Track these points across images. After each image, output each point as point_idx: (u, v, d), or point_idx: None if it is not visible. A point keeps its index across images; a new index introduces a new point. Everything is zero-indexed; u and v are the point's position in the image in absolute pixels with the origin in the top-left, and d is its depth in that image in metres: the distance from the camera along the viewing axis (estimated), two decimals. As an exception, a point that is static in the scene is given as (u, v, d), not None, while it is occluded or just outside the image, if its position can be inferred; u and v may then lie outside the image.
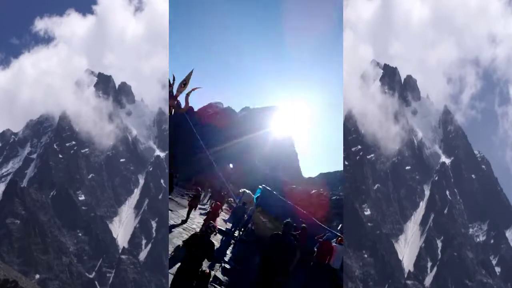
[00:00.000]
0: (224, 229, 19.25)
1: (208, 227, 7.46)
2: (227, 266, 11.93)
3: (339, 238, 14.71)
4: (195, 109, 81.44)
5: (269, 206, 15.83)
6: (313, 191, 42.61)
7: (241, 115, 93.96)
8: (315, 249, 13.87)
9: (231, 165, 51.76)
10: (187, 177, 42.78)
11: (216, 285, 9.55)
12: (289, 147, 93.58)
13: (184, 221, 18.38)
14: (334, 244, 13.82)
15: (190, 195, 23.57)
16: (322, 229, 15.72)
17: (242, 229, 19.07)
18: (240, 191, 25.52)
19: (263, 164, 72.93)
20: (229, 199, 31.36)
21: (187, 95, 13.53)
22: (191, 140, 51.59)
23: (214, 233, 7.54)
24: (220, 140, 64.05)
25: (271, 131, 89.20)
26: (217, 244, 16.55)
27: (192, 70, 13.30)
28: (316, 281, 13.22)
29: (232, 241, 17.53)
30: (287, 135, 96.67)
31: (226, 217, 24.25)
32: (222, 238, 17.45)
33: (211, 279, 9.69)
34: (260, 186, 19.18)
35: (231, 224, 19.54)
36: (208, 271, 6.96)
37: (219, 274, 10.57)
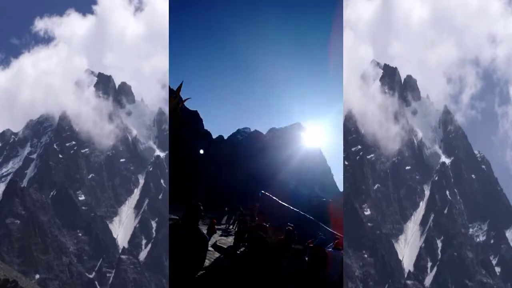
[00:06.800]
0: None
1: None
2: None
3: (336, 242, 11.62)
4: (225, 137, 78.12)
5: (270, 214, 15.33)
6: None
7: (268, 136, 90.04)
8: (305, 258, 9.84)
9: None
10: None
11: None
12: (321, 163, 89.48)
13: None
14: (328, 250, 10.28)
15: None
16: (318, 229, 14.98)
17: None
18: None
19: (299, 185, 68.26)
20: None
21: (177, 106, 13.31)
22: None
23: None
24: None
25: (301, 146, 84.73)
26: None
27: (182, 82, 13.30)
28: None
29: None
30: (317, 151, 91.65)
31: None
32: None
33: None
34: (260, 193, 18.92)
35: None
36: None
37: None
